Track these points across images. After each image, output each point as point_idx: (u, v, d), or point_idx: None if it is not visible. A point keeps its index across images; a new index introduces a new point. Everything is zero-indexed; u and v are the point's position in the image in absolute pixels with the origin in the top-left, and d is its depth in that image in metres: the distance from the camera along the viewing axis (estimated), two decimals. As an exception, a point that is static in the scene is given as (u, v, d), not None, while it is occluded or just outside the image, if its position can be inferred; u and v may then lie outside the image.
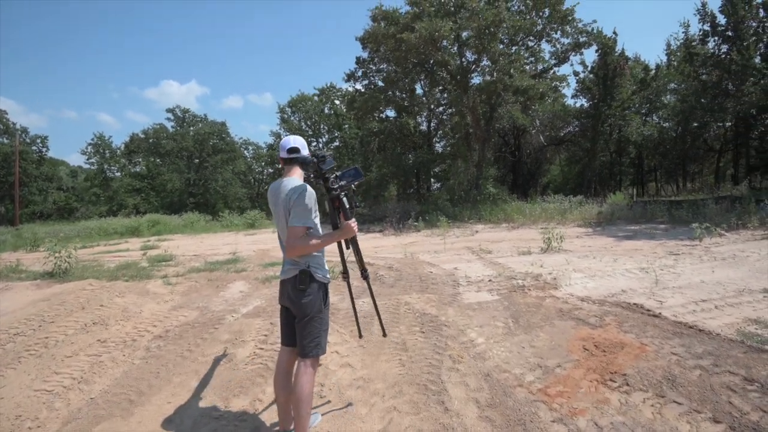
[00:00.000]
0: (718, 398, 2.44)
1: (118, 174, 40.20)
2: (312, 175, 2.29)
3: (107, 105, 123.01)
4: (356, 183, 2.37)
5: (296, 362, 2.24)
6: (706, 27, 18.08)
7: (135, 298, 5.30)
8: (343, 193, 2.25)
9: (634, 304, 4.27)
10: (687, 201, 13.40)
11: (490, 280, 5.61)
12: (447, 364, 3.13)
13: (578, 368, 2.94)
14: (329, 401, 2.72)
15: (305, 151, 2.29)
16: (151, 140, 39.31)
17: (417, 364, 3.15)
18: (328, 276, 2.28)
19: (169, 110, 41.00)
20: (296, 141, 2.27)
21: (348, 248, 2.47)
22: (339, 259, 2.55)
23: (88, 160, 39.43)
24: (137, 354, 3.70)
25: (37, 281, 6.62)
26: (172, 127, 40.70)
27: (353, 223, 2.22)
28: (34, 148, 38.17)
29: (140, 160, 40.30)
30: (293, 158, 2.24)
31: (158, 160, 39.44)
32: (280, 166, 2.45)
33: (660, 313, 3.92)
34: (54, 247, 7.21)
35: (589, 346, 3.29)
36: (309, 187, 2.12)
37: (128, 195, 36.80)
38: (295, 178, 2.22)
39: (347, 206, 2.24)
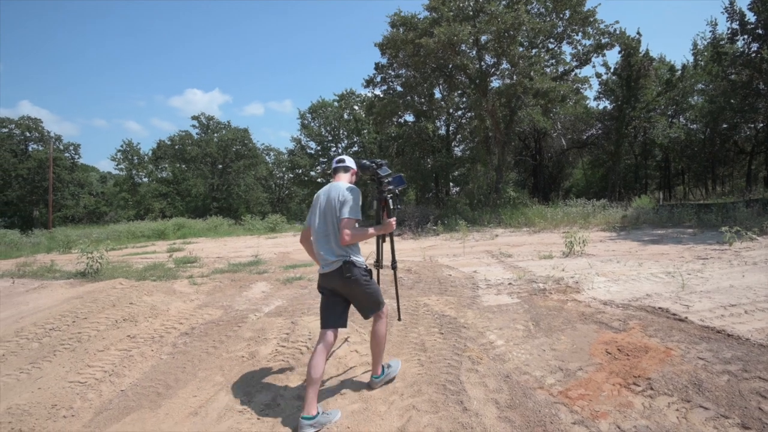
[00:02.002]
0: (748, 404, 2.37)
1: (146, 179, 41.66)
2: (369, 179, 2.83)
3: (134, 113, 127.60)
4: (400, 188, 2.83)
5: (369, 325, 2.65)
6: (735, 25, 17.38)
7: (162, 297, 5.48)
8: (389, 196, 2.73)
9: (660, 308, 4.16)
10: (716, 204, 12.89)
11: (510, 284, 5.56)
12: (466, 365, 3.13)
13: (600, 372, 2.90)
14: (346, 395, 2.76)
15: (349, 162, 2.83)
16: (176, 147, 40.61)
17: (436, 364, 3.17)
18: (364, 264, 2.70)
19: (194, 117, 42.33)
20: (344, 155, 2.90)
21: (384, 241, 3.00)
22: (376, 252, 3.06)
23: (117, 166, 41.07)
24: (165, 349, 3.83)
25: (71, 280, 6.94)
26: (197, 133, 41.93)
27: (393, 220, 2.68)
28: (66, 155, 39.99)
29: (166, 165, 41.68)
30: (339, 167, 2.82)
31: (184, 166, 40.70)
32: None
33: (686, 318, 3.81)
34: (86, 248, 7.53)
35: (612, 350, 3.23)
36: (357, 188, 2.65)
37: (155, 199, 38.09)
38: (344, 182, 2.71)
39: (391, 206, 2.72)
